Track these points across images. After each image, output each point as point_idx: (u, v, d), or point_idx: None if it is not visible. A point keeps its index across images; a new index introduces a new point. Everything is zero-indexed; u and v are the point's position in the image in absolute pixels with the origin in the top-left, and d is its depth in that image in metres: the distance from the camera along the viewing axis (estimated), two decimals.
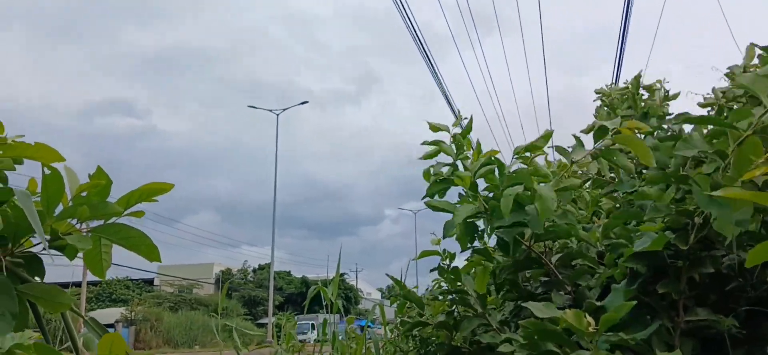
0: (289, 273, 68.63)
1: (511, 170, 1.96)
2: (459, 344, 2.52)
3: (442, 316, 2.57)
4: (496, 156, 1.96)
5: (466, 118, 2.15)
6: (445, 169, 2.07)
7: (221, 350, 4.27)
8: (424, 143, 2.07)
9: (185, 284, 57.94)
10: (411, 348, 3.98)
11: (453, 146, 2.07)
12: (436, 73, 14.09)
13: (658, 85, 3.24)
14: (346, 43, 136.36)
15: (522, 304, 2.05)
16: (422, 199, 2.12)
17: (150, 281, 60.59)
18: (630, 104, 3.28)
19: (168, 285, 57.91)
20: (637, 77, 3.31)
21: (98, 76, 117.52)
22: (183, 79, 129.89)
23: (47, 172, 1.13)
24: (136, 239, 1.21)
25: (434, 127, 2.09)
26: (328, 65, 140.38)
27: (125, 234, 1.21)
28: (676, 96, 3.06)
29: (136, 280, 58.01)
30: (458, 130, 2.10)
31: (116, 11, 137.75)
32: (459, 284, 2.39)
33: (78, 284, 36.17)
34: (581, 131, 2.15)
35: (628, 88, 3.38)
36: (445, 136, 2.10)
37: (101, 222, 1.21)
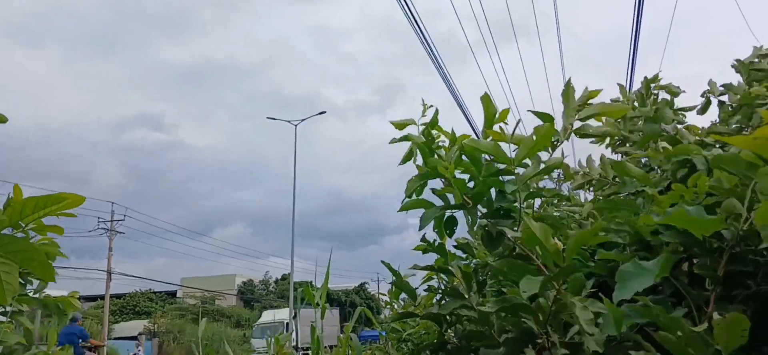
0: (310, 284, 68.56)
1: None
2: (448, 339, 2.37)
3: (434, 308, 2.43)
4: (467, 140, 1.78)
5: (431, 106, 1.97)
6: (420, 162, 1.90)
7: None
8: (392, 142, 1.90)
9: (208, 295, 58.23)
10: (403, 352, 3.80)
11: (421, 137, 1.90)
12: (449, 83, 13.89)
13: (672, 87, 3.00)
14: (371, 55, 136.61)
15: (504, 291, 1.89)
16: (399, 210, 1.95)
17: (173, 293, 60.99)
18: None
19: (191, 297, 58.25)
20: (653, 78, 3.06)
21: (130, 90, 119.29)
22: (211, 93, 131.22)
23: None
24: (26, 253, 1.05)
25: (399, 125, 1.91)
26: (354, 77, 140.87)
27: (12, 248, 1.04)
28: (676, 93, 2.83)
29: (160, 292, 58.45)
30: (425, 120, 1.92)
31: (146, 27, 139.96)
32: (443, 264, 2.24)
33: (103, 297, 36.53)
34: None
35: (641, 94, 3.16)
36: (413, 129, 1.92)
37: None
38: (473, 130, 16.51)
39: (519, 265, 1.57)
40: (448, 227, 1.94)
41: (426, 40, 11.91)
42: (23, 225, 1.07)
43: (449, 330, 2.39)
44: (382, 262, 2.68)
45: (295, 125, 37.01)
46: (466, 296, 2.05)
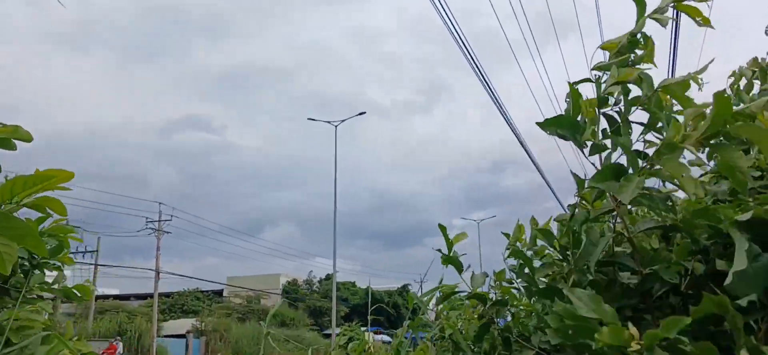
0: (353, 284, 69.01)
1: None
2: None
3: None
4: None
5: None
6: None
7: None
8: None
9: (253, 294, 59.22)
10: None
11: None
12: (487, 83, 13.74)
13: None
14: (414, 55, 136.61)
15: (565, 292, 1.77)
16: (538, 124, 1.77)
17: (219, 293, 62.31)
18: None
19: (236, 296, 59.38)
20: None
21: (174, 94, 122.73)
22: (254, 95, 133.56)
23: None
24: (19, 230, 1.08)
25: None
26: (397, 77, 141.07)
27: (7, 225, 1.08)
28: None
29: (207, 291, 59.80)
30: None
31: (189, 32, 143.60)
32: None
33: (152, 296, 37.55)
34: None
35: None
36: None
37: None
38: (512, 129, 16.29)
39: (590, 330, 1.35)
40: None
41: (463, 43, 11.83)
42: (17, 203, 1.10)
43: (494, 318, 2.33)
44: (439, 225, 2.55)
45: (336, 126, 37.31)
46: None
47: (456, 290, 2.55)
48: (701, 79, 1.69)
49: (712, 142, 1.49)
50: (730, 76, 2.31)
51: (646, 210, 1.92)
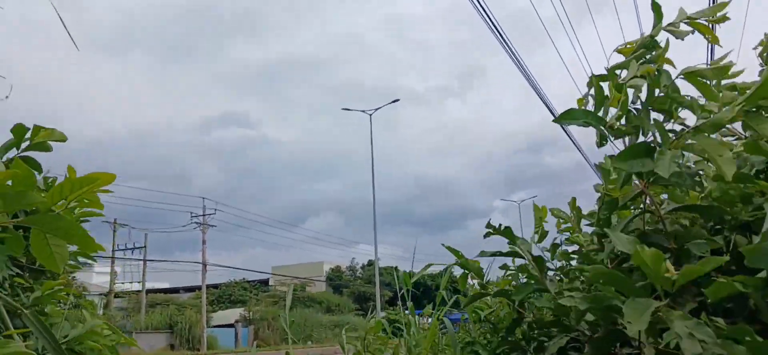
0: (396, 269, 69.37)
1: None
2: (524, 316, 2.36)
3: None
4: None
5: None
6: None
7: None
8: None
9: (298, 282, 60.14)
10: (482, 335, 3.79)
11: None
12: (521, 65, 13.54)
13: None
14: (446, 40, 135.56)
15: (606, 231, 1.79)
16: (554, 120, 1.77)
17: (265, 282, 63.49)
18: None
19: (282, 285, 60.41)
20: None
21: (212, 91, 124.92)
22: (290, 89, 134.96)
23: None
24: (69, 230, 1.17)
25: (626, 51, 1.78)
26: (431, 63, 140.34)
27: (57, 225, 1.16)
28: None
29: (253, 281, 61.01)
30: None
31: (223, 31, 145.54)
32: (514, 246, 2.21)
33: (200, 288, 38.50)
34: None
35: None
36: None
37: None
38: (549, 109, 16.05)
39: (621, 279, 1.42)
40: (600, 136, 1.75)
41: (494, 25, 11.69)
42: (66, 204, 1.19)
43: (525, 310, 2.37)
44: (445, 245, 2.66)
45: (370, 115, 37.36)
46: (543, 282, 1.98)
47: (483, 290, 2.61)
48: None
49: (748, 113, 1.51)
50: (756, 47, 2.26)
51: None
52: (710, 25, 1.72)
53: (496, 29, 11.82)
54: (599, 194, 2.06)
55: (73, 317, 2.65)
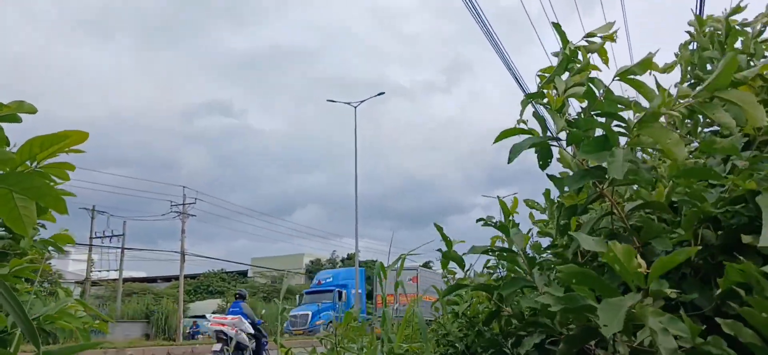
0: (374, 262, 69.33)
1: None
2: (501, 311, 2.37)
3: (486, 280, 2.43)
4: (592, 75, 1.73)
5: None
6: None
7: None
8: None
9: (277, 274, 59.88)
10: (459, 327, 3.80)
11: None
12: (507, 62, 13.58)
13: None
14: (434, 35, 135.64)
15: (571, 234, 1.83)
16: (495, 141, 1.87)
17: (244, 273, 63.14)
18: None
19: (261, 276, 60.14)
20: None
21: (196, 78, 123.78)
22: (275, 79, 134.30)
23: None
24: (40, 189, 1.14)
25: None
26: (418, 57, 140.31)
27: (27, 184, 1.13)
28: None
29: (231, 272, 60.61)
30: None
31: (210, 17, 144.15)
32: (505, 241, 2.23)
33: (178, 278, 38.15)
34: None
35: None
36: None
37: None
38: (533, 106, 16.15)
39: (594, 278, 1.43)
40: (543, 158, 1.84)
41: (482, 20, 11.72)
42: (36, 164, 1.16)
43: (503, 304, 2.36)
44: (436, 225, 2.64)
45: (355, 107, 37.19)
46: (529, 278, 2.01)
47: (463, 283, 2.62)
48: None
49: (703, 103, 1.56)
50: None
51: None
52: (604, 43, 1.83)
53: (484, 24, 11.85)
54: (556, 203, 2.11)
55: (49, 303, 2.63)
